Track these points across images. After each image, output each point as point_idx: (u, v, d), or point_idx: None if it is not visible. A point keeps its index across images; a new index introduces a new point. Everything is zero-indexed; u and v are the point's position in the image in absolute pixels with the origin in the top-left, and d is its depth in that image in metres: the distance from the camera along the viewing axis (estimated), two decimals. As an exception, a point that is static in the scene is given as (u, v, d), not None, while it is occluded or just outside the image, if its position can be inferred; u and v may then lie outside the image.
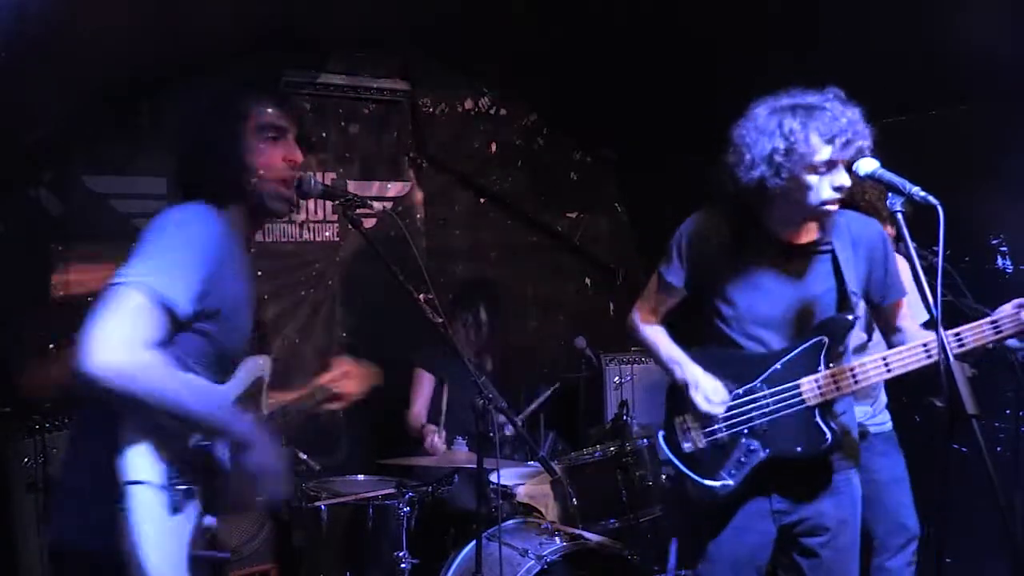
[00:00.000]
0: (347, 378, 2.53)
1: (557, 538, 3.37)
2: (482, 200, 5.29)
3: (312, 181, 2.18)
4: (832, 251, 2.46)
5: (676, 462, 2.57)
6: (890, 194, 2.03)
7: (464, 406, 4.05)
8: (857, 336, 3.38)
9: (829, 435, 2.40)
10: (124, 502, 1.76)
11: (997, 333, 2.30)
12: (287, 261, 4.66)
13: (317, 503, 3.58)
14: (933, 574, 3.36)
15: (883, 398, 3.55)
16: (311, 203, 4.67)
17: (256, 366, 2.19)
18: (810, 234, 2.47)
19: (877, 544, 3.48)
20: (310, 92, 4.67)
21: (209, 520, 1.96)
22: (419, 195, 5.09)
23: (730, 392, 2.50)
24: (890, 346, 2.59)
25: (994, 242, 3.63)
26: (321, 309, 4.75)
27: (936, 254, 1.91)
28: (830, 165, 2.29)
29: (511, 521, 3.53)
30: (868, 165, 2.09)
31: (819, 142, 2.26)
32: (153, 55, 3.84)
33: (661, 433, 2.64)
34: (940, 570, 2.22)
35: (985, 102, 3.59)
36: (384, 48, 4.89)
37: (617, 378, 4.79)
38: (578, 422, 4.68)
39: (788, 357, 2.45)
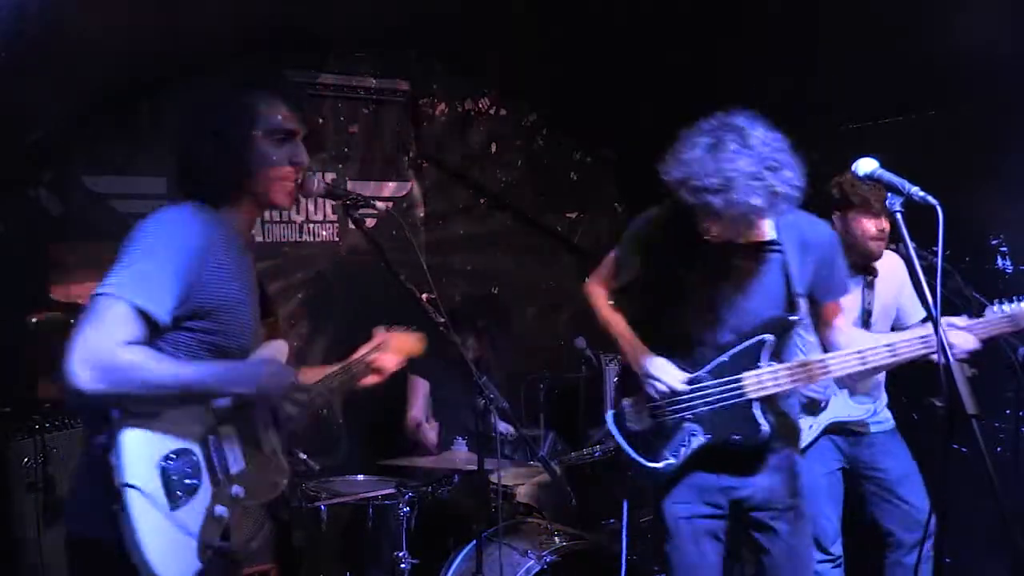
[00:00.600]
0: (384, 350, 2.54)
1: (557, 538, 3.37)
2: (482, 200, 5.29)
3: (313, 180, 2.18)
4: (782, 251, 2.57)
5: (623, 443, 2.75)
6: (889, 194, 2.02)
7: (462, 406, 4.08)
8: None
9: (765, 427, 2.56)
10: (120, 503, 1.79)
11: (893, 357, 2.52)
12: (287, 261, 4.66)
13: (317, 503, 3.58)
14: (933, 574, 3.35)
15: (884, 397, 3.56)
16: (311, 203, 4.67)
17: (272, 352, 2.19)
18: (764, 233, 2.57)
19: (892, 541, 3.48)
20: (310, 92, 4.67)
21: (220, 510, 1.97)
22: (419, 195, 5.09)
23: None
24: (823, 341, 2.74)
25: (994, 242, 3.64)
26: (321, 309, 4.75)
27: (936, 254, 1.91)
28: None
29: (511, 521, 3.53)
30: (868, 165, 2.09)
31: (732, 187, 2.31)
32: (153, 55, 3.85)
33: (611, 412, 2.81)
34: (940, 570, 2.22)
35: (985, 102, 3.59)
36: (384, 48, 4.89)
37: (617, 378, 4.78)
38: (578, 422, 4.68)
39: (734, 351, 2.59)
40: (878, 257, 3.37)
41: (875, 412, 3.49)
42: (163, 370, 1.84)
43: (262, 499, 2.15)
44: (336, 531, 3.69)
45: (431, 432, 4.10)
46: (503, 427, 4.06)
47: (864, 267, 3.42)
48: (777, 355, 2.60)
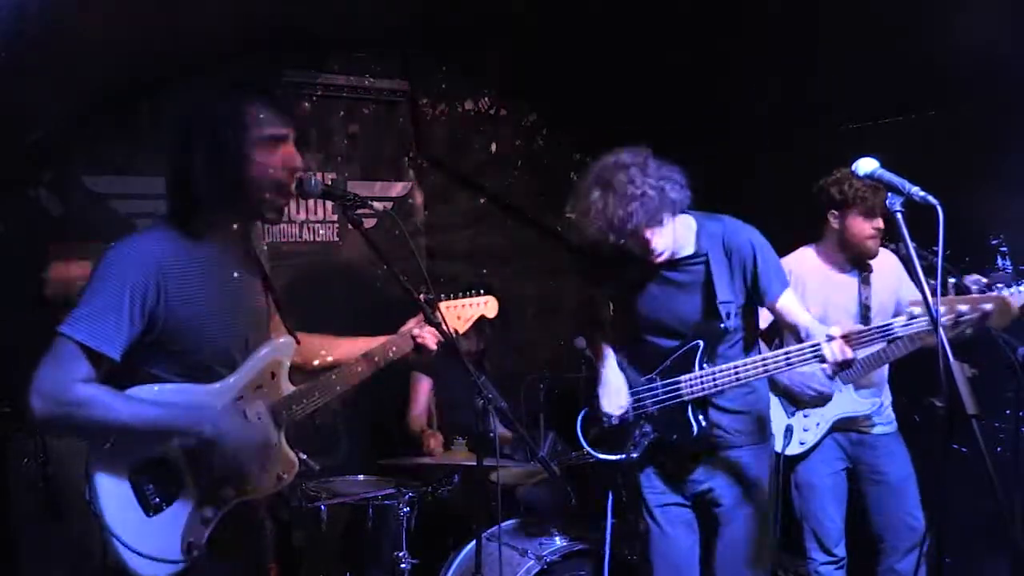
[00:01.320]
0: (426, 327, 2.52)
1: (557, 538, 3.37)
2: (482, 200, 5.29)
3: (312, 181, 2.18)
4: (704, 262, 2.75)
5: (584, 443, 3.01)
6: (889, 194, 2.02)
7: (463, 407, 4.07)
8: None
9: (695, 428, 2.76)
10: (96, 509, 1.95)
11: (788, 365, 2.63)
12: (287, 261, 4.65)
13: (317, 503, 3.58)
14: (933, 574, 3.36)
15: (889, 396, 3.55)
16: (311, 203, 4.67)
17: (272, 351, 2.20)
18: (684, 250, 2.78)
19: (886, 546, 3.49)
20: (310, 92, 4.67)
21: (208, 512, 2.04)
22: (419, 195, 5.09)
23: (638, 381, 2.91)
24: (795, 341, 2.76)
25: (994, 242, 3.63)
26: (321, 309, 4.74)
27: (936, 254, 1.90)
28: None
29: (511, 521, 3.53)
30: (868, 165, 2.09)
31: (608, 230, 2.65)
32: (153, 55, 3.84)
33: (583, 412, 3.04)
34: (940, 570, 2.22)
35: (985, 102, 3.59)
36: (384, 48, 4.89)
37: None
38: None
39: (675, 355, 2.82)
40: (874, 255, 3.40)
41: (880, 408, 3.50)
42: (113, 411, 1.93)
43: (263, 493, 2.18)
44: (336, 531, 3.69)
45: (433, 441, 4.08)
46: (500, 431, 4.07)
47: (860, 263, 3.44)
48: (713, 360, 2.78)
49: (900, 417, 3.59)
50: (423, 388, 4.34)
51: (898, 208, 2.00)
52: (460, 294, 2.72)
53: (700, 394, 2.76)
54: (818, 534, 3.54)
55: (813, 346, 2.52)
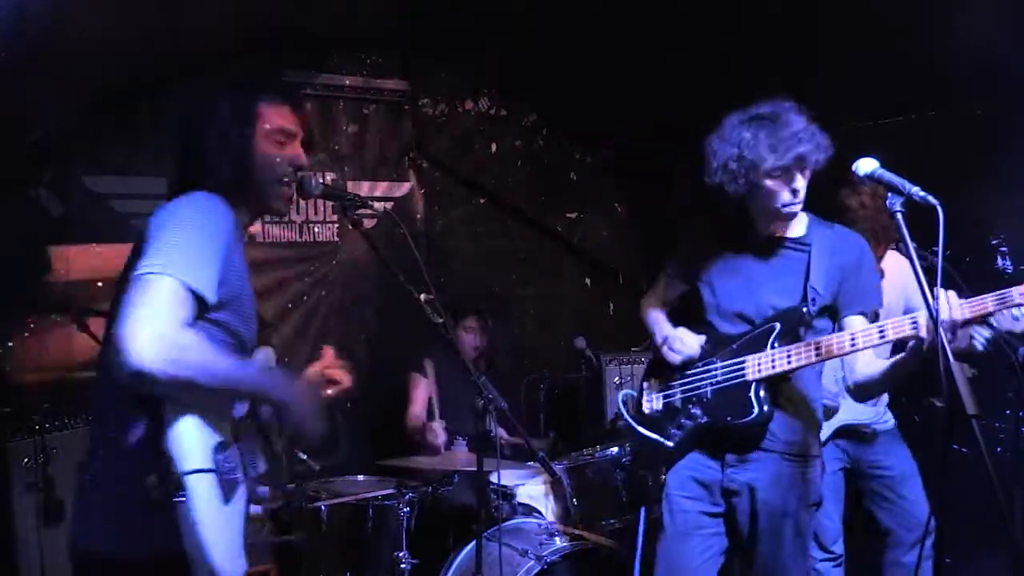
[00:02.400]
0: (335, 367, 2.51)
1: (557, 538, 3.37)
2: (482, 200, 5.29)
3: (312, 181, 2.18)
4: (808, 251, 2.65)
5: (628, 419, 2.88)
6: (890, 194, 2.02)
7: (463, 406, 4.07)
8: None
9: (755, 408, 2.60)
10: (183, 494, 1.73)
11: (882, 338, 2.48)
12: (287, 261, 4.66)
13: (317, 503, 3.58)
14: (933, 573, 3.36)
15: (885, 396, 3.56)
16: (311, 203, 4.67)
17: (266, 356, 2.19)
18: (793, 230, 2.69)
19: (892, 539, 3.49)
20: (310, 92, 4.67)
21: (255, 509, 1.98)
22: (419, 195, 5.10)
23: (693, 364, 2.75)
24: (845, 361, 2.74)
25: (994, 242, 3.63)
26: (320, 309, 4.75)
27: (936, 254, 1.90)
28: (784, 171, 2.50)
29: (511, 521, 3.53)
30: (868, 165, 2.09)
31: (766, 151, 2.48)
32: (153, 55, 3.85)
33: (625, 393, 2.92)
34: (940, 570, 2.22)
35: (985, 102, 3.59)
36: (384, 48, 4.89)
37: (617, 378, 4.79)
38: (578, 422, 4.68)
39: (744, 339, 2.67)
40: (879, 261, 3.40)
41: (879, 412, 3.51)
42: (220, 360, 1.79)
43: (274, 501, 2.16)
44: (336, 531, 3.68)
45: (439, 431, 4.08)
46: (501, 433, 4.09)
47: None
48: (786, 344, 2.60)
49: (900, 417, 3.59)
50: (421, 388, 4.35)
51: (898, 208, 2.00)
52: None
53: (770, 372, 2.58)
54: (816, 532, 3.54)
55: (912, 318, 2.38)
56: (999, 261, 3.52)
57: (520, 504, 3.79)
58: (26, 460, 3.46)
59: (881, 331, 2.43)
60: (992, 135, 3.58)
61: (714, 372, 2.71)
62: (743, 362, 2.64)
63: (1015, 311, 2.85)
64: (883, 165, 2.08)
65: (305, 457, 3.65)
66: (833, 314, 2.67)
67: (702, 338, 2.75)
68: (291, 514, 3.81)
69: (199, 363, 1.73)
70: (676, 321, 2.93)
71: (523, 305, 5.37)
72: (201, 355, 1.74)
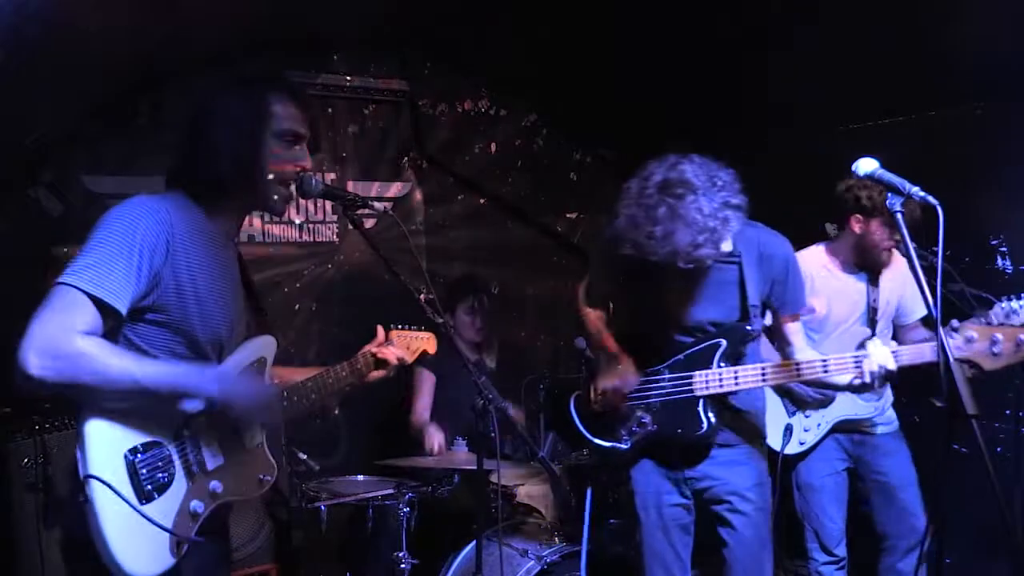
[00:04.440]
0: (387, 346, 2.55)
1: (557, 538, 3.37)
2: (482, 200, 5.29)
3: (312, 181, 2.18)
4: (739, 262, 2.71)
5: (578, 424, 2.95)
6: (889, 194, 2.02)
7: (464, 406, 4.07)
8: (861, 331, 3.41)
9: (705, 424, 2.72)
10: (85, 495, 1.79)
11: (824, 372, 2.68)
12: (287, 260, 4.66)
13: (317, 503, 3.58)
14: (933, 574, 3.36)
15: (890, 396, 3.56)
16: (311, 203, 4.67)
17: (256, 348, 2.19)
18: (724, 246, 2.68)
19: (888, 545, 3.49)
20: (310, 92, 4.67)
21: (197, 506, 1.97)
22: (419, 195, 5.10)
23: (641, 372, 2.82)
24: (780, 355, 2.85)
25: (994, 242, 3.63)
26: (320, 309, 4.75)
27: (936, 254, 1.90)
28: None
29: (511, 521, 3.53)
30: (868, 165, 2.09)
31: (668, 256, 2.49)
32: (153, 55, 3.84)
33: (575, 394, 2.97)
34: (940, 570, 2.22)
35: (985, 102, 3.59)
36: (384, 48, 4.89)
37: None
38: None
39: (690, 351, 2.76)
40: (886, 266, 3.41)
41: (882, 410, 3.50)
42: (116, 364, 1.81)
43: (246, 495, 2.14)
44: (336, 531, 3.69)
45: (437, 435, 4.08)
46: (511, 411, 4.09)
47: (870, 268, 3.44)
48: (732, 360, 2.74)
49: (900, 417, 3.59)
50: (427, 383, 4.32)
51: (898, 208, 2.00)
52: (410, 327, 2.73)
53: (716, 391, 2.72)
54: (819, 534, 3.55)
55: (855, 357, 2.59)
56: (999, 261, 3.52)
57: (520, 504, 3.79)
58: (26, 460, 3.46)
59: (824, 364, 2.66)
60: (992, 135, 3.58)
61: (662, 383, 2.80)
62: (691, 377, 2.74)
63: (1013, 303, 2.87)
64: (883, 165, 2.08)
65: (305, 457, 3.66)
66: (771, 310, 2.81)
67: (632, 384, 2.80)
68: (291, 514, 3.82)
69: (90, 370, 1.77)
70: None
71: (523, 305, 5.37)
72: (94, 363, 1.78)
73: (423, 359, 4.23)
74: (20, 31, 2.82)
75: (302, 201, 4.59)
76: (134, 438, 1.89)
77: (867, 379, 2.57)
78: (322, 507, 3.58)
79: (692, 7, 3.94)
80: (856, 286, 3.45)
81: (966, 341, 2.58)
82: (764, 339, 2.95)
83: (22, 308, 3.98)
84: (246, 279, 2.27)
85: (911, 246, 1.98)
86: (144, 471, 1.88)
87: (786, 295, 2.77)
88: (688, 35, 4.14)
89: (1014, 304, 2.80)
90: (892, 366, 2.57)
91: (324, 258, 4.77)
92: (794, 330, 2.82)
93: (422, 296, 2.32)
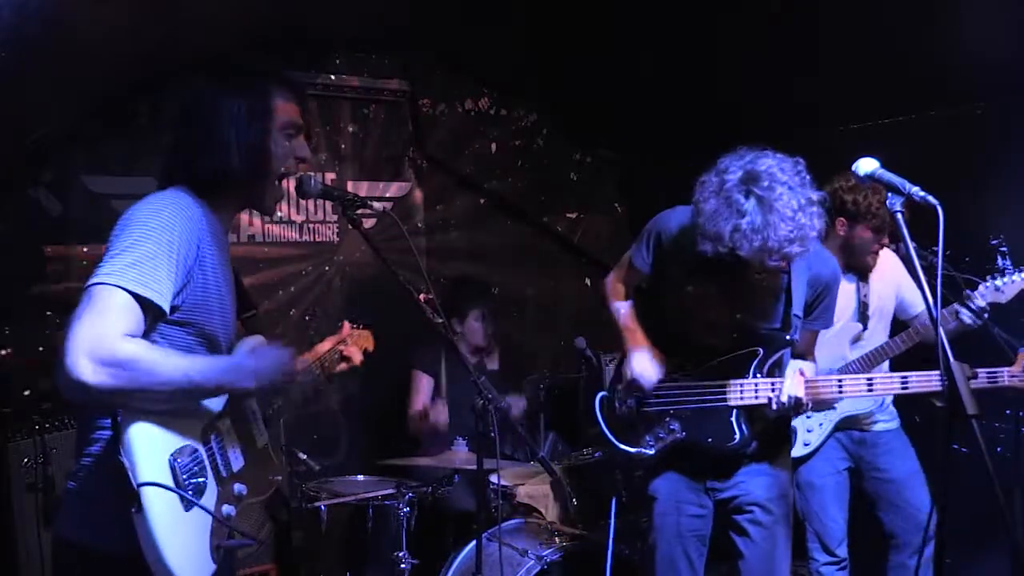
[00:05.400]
0: (351, 343, 2.56)
1: (557, 538, 3.37)
2: (482, 200, 5.29)
3: (312, 181, 2.18)
4: (788, 272, 2.61)
5: (603, 427, 2.83)
6: (889, 194, 2.02)
7: (464, 406, 4.07)
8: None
9: (737, 435, 2.64)
10: (138, 505, 1.72)
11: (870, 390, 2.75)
12: (287, 260, 4.65)
13: (317, 503, 3.58)
14: (933, 574, 3.35)
15: (889, 396, 3.56)
16: (311, 203, 4.67)
17: (257, 343, 2.18)
18: None
19: (896, 542, 3.49)
20: (311, 92, 4.67)
21: (228, 509, 1.95)
22: (419, 195, 5.09)
23: (669, 376, 2.73)
24: None
25: (994, 242, 3.63)
26: (320, 309, 4.75)
27: (936, 254, 1.90)
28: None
29: (511, 521, 3.53)
30: (868, 165, 2.09)
31: (758, 247, 2.33)
32: (153, 55, 3.84)
33: (600, 395, 2.87)
34: (940, 570, 2.21)
35: (985, 102, 3.59)
36: (384, 48, 4.89)
37: (612, 367, 4.78)
38: (578, 422, 4.67)
39: (725, 358, 2.66)
40: (870, 270, 3.43)
41: (883, 404, 3.50)
42: (169, 365, 1.77)
43: (260, 496, 2.12)
44: (336, 531, 3.69)
45: (441, 409, 4.08)
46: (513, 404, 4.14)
47: (857, 270, 3.45)
48: (767, 371, 2.66)
49: (900, 417, 3.59)
50: (423, 385, 4.33)
51: (898, 208, 2.00)
52: (360, 325, 2.69)
53: (753, 402, 2.62)
54: (820, 535, 3.54)
55: (902, 376, 2.64)
56: (999, 261, 3.52)
57: (520, 504, 3.79)
58: (26, 460, 3.46)
59: (869, 382, 2.68)
60: (992, 135, 3.58)
61: (694, 389, 2.70)
62: (724, 386, 2.65)
63: (997, 281, 2.97)
64: (883, 165, 2.08)
65: (305, 457, 3.66)
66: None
67: (660, 373, 2.72)
68: (291, 514, 3.82)
69: (143, 372, 1.71)
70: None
71: (523, 305, 5.37)
72: (146, 364, 1.72)
73: (421, 359, 4.28)
74: (20, 31, 2.82)
75: (302, 201, 4.59)
76: (173, 442, 1.84)
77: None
78: (322, 507, 3.58)
79: (692, 7, 3.94)
80: (845, 286, 3.45)
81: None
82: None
83: (22, 308, 3.99)
84: (238, 278, 2.27)
85: (911, 246, 1.97)
86: (185, 476, 1.83)
87: (822, 312, 2.72)
88: (688, 35, 4.15)
89: (998, 282, 2.89)
90: (801, 395, 2.58)
91: (324, 258, 4.77)
92: (816, 345, 2.79)
93: (422, 296, 2.31)
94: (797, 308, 2.63)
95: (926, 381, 2.70)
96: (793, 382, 2.57)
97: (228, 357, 2.00)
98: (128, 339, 1.72)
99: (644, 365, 2.71)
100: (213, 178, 2.00)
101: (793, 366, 2.65)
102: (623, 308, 2.92)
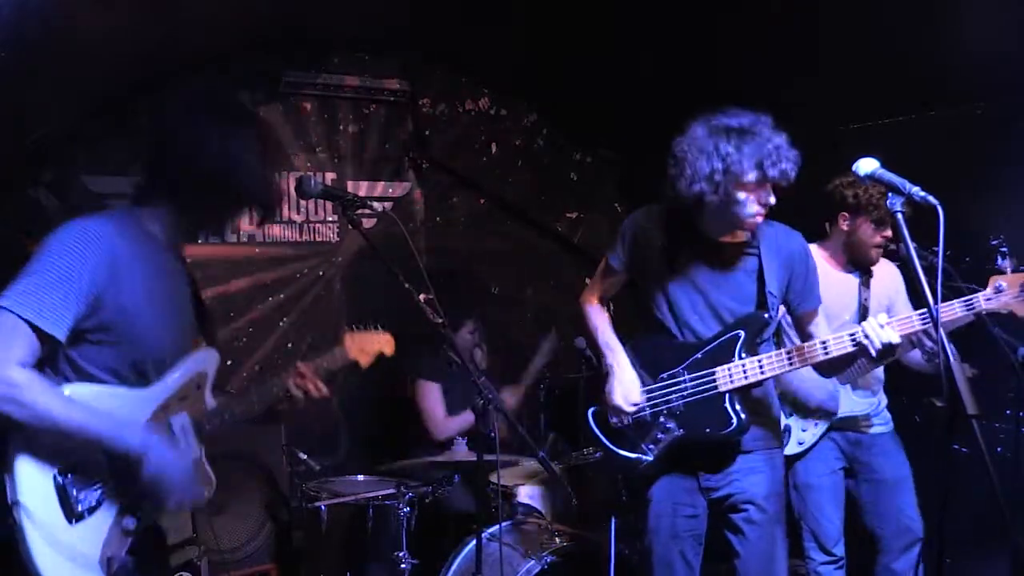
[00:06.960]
0: (352, 347, 2.55)
1: (557, 538, 3.37)
2: (482, 200, 5.29)
3: (312, 181, 2.18)
4: (758, 254, 2.68)
5: (601, 437, 2.82)
6: (890, 194, 2.02)
7: (464, 406, 4.07)
8: (851, 328, 3.41)
9: (735, 419, 2.63)
10: (14, 518, 1.79)
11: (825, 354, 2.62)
12: (287, 260, 4.66)
13: (317, 503, 3.58)
14: (933, 574, 3.35)
15: (883, 399, 3.56)
16: (311, 203, 4.67)
17: (198, 362, 2.17)
18: (739, 235, 2.71)
19: (882, 545, 3.50)
20: (310, 92, 4.67)
21: (128, 522, 1.96)
22: (419, 195, 5.09)
23: (656, 378, 2.75)
24: None
25: (994, 242, 3.63)
26: (319, 308, 4.75)
27: (936, 254, 1.90)
28: (759, 184, 2.52)
29: (511, 521, 3.53)
30: (868, 165, 2.09)
31: (751, 165, 2.49)
32: (153, 55, 3.84)
33: (592, 409, 2.87)
34: (940, 570, 2.21)
35: (985, 102, 3.59)
36: (384, 48, 4.89)
37: (585, 382, 4.78)
38: (578, 422, 4.67)
39: (709, 347, 2.69)
40: (874, 263, 3.44)
41: (878, 408, 3.51)
42: (45, 405, 1.81)
43: (183, 509, 2.12)
44: (336, 531, 3.69)
45: (467, 415, 4.07)
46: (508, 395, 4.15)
47: (860, 267, 3.46)
48: (752, 351, 2.67)
49: (900, 417, 3.59)
50: (433, 394, 4.26)
51: (898, 208, 2.00)
52: (363, 327, 2.67)
53: (742, 383, 2.64)
54: (817, 534, 3.54)
55: (851, 334, 2.56)
56: (999, 261, 3.52)
57: (520, 504, 3.79)
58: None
59: (852, 337, 2.57)
60: (992, 135, 3.58)
61: (683, 384, 2.71)
62: (712, 373, 2.66)
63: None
64: (883, 165, 2.08)
65: (305, 457, 3.66)
66: (789, 305, 2.78)
67: (642, 399, 2.73)
68: (291, 514, 3.82)
69: (24, 406, 1.78)
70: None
71: (523, 305, 5.37)
72: (28, 398, 1.78)
73: (423, 367, 4.26)
74: (20, 30, 2.82)
75: (302, 201, 4.59)
76: (65, 459, 1.88)
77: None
78: (322, 507, 3.58)
79: (692, 7, 3.95)
80: (849, 284, 3.46)
81: (995, 291, 2.59)
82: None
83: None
84: (195, 292, 2.25)
85: (911, 246, 1.98)
86: (74, 491, 1.88)
87: (804, 289, 2.74)
88: (688, 35, 4.15)
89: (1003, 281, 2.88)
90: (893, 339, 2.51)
91: (324, 258, 4.77)
92: (818, 322, 2.78)
93: (422, 296, 2.31)
94: (771, 285, 2.67)
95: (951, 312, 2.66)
96: (885, 329, 2.51)
97: (122, 420, 1.94)
98: (15, 366, 1.79)
99: (625, 390, 2.73)
100: (178, 197, 2.03)
101: (873, 320, 2.57)
102: (600, 324, 2.94)
